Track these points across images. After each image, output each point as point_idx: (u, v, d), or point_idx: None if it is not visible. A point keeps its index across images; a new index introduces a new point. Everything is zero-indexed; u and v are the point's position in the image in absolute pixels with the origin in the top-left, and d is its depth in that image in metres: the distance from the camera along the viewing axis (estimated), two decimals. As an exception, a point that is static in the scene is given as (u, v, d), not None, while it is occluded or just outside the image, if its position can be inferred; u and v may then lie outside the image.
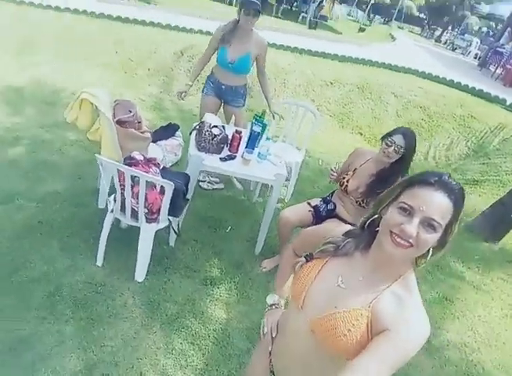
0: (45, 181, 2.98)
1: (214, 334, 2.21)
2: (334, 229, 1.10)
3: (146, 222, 2.20)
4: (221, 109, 3.32)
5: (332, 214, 2.53)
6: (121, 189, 2.08)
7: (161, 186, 2.12)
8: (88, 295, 2.21)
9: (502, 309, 2.94)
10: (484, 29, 22.74)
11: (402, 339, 0.85)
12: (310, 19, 14.13)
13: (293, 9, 16.20)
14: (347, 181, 2.44)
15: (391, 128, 2.35)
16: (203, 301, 2.37)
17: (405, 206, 0.87)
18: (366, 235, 1.00)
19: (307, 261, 1.06)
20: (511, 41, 10.40)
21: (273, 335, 1.19)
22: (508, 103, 6.17)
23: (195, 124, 2.66)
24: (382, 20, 25.97)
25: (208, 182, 3.43)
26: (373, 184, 2.28)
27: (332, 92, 5.82)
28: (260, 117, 2.71)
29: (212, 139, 2.49)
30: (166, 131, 3.54)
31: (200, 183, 3.41)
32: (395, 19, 22.66)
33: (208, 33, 5.48)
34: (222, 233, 2.96)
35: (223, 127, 2.61)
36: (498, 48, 9.54)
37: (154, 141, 3.19)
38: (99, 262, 2.39)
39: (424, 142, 5.49)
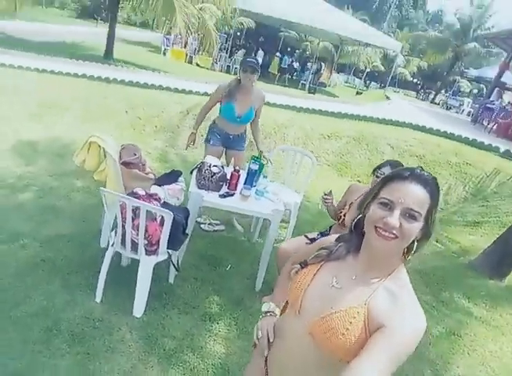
0: (50, 223, 3.09)
1: (212, 368, 2.15)
2: (329, 238, 1.16)
3: (146, 254, 2.25)
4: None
5: None
6: (122, 221, 2.18)
7: (161, 219, 2.21)
8: (85, 330, 2.20)
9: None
10: (475, 91, 24.03)
11: (398, 334, 0.87)
12: (309, 86, 15.16)
13: (294, 77, 17.42)
14: (344, 215, 2.53)
15: None
16: (202, 337, 2.33)
17: (385, 201, 0.93)
18: (355, 237, 1.05)
19: (302, 267, 1.10)
20: (500, 99, 10.97)
21: (270, 340, 1.18)
22: (502, 151, 6.36)
23: (196, 164, 2.82)
24: (378, 86, 27.64)
25: (209, 224, 3.51)
26: None
27: (329, 145, 6.09)
28: (257, 157, 2.89)
29: (211, 176, 2.63)
30: (169, 177, 3.67)
31: (201, 225, 3.49)
32: (390, 86, 24.13)
33: (206, 93, 5.92)
34: (222, 271, 2.98)
35: (222, 167, 2.76)
36: (488, 105, 10.06)
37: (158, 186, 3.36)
38: (98, 298, 2.40)
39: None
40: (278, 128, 6.12)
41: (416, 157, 6.03)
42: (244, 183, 2.70)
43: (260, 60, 16.53)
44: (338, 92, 15.75)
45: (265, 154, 3.44)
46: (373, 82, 26.85)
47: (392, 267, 0.97)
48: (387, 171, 2.36)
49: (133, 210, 2.15)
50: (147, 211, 2.13)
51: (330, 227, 2.75)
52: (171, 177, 3.76)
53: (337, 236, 1.12)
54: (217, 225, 3.56)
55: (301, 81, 15.68)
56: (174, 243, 2.33)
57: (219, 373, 2.13)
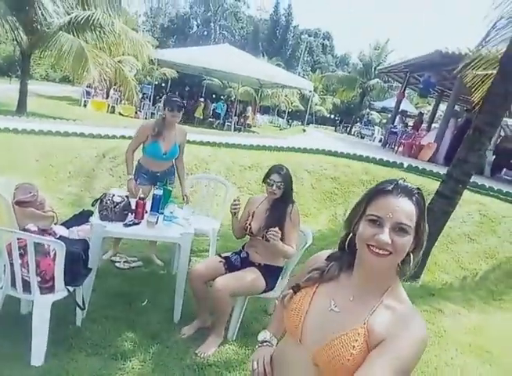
0: None
1: (123, 408, 1.99)
2: (319, 257, 1.11)
3: (40, 293, 2.09)
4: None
5: (246, 261, 2.61)
6: (9, 259, 2.03)
7: (55, 253, 2.09)
8: (-29, 390, 1.94)
9: (430, 337, 2.99)
10: (384, 120, 26.65)
11: (398, 345, 0.85)
12: (234, 127, 15.74)
13: (220, 121, 17.91)
14: (250, 224, 2.61)
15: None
16: (112, 376, 2.17)
17: (374, 217, 0.92)
18: (347, 255, 1.03)
19: (295, 292, 1.06)
20: (402, 124, 12.32)
21: (267, 370, 1.11)
22: (405, 166, 7.04)
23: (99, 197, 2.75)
24: (300, 124, 29.48)
25: (125, 262, 3.37)
26: (270, 217, 2.53)
27: (251, 175, 6.28)
28: (164, 184, 2.91)
29: (114, 207, 2.58)
30: (79, 219, 3.53)
31: (116, 264, 3.34)
32: (311, 123, 25.91)
33: (129, 137, 5.88)
34: (138, 307, 2.83)
35: (127, 197, 2.72)
36: (392, 129, 11.20)
37: (67, 228, 3.19)
38: (-11, 353, 2.15)
39: (340, 207, 5.97)
40: (199, 163, 6.21)
41: (331, 179, 6.43)
42: (150, 210, 2.68)
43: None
44: (263, 131, 16.51)
45: (187, 194, 3.47)
46: (295, 121, 28.61)
47: (388, 283, 0.96)
48: (275, 177, 2.52)
49: (22, 247, 2.02)
50: (38, 245, 2.01)
51: (243, 246, 2.79)
52: (81, 218, 3.61)
53: (327, 255, 1.09)
54: (134, 262, 3.43)
55: (227, 123, 16.24)
56: (73, 278, 2.20)
57: (131, 410, 1.97)
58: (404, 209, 0.90)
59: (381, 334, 0.88)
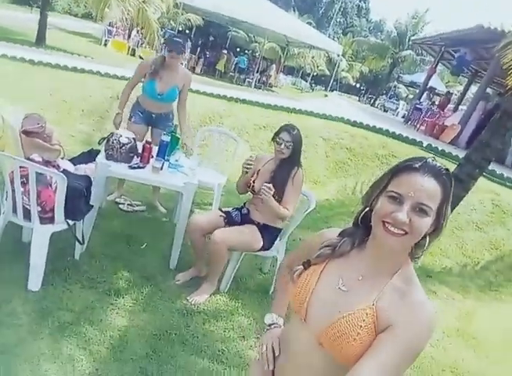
0: None
1: (110, 340, 2.06)
2: (327, 234, 1.06)
3: (40, 222, 2.12)
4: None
5: (246, 218, 2.61)
6: (12, 185, 2.04)
7: (56, 186, 2.10)
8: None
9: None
10: (411, 96, 25.69)
11: (405, 331, 0.83)
12: (255, 84, 15.32)
13: (241, 76, 17.43)
14: (254, 181, 2.58)
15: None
16: (104, 310, 2.24)
17: (394, 194, 0.87)
18: (360, 231, 0.99)
19: (305, 268, 1.02)
20: (428, 101, 11.82)
21: (276, 353, 1.09)
22: (425, 145, 6.83)
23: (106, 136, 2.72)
24: (323, 89, 28.60)
25: (128, 204, 3.40)
26: (276, 177, 2.49)
27: (265, 135, 6.16)
28: (172, 131, 2.85)
29: (120, 147, 2.55)
30: (87, 157, 3.53)
31: (120, 205, 3.38)
32: (335, 90, 25.06)
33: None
34: (136, 249, 2.89)
35: (134, 139, 2.68)
36: (417, 105, 10.78)
37: (74, 165, 3.19)
38: (-10, 273, 2.23)
39: (351, 178, 5.88)
40: (213, 116, 6.09)
41: (346, 149, 6.28)
42: (156, 156, 2.65)
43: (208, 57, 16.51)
44: (283, 92, 16.06)
45: (187, 143, 3.40)
46: (318, 86, 27.78)
47: (400, 264, 0.92)
48: (284, 136, 2.45)
49: (25, 176, 2.02)
50: (40, 175, 2.01)
51: (245, 203, 2.77)
52: (90, 156, 3.59)
53: (336, 232, 1.03)
54: (137, 205, 3.46)
55: (247, 80, 15.79)
56: (74, 212, 2.22)
57: (116, 344, 2.05)
58: (428, 189, 0.85)
59: (390, 317, 0.86)
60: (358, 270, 0.95)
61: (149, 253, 2.90)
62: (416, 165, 0.87)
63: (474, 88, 12.62)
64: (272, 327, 1.20)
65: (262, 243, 2.52)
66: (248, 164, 2.56)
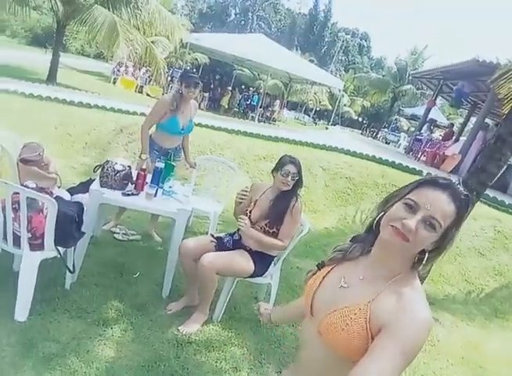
0: None
1: (96, 372, 1.99)
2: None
3: (30, 249, 2.11)
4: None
5: (238, 244, 2.58)
6: (3, 212, 2.05)
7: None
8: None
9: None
10: (412, 128, 26.02)
11: (402, 330, 0.84)
12: (258, 119, 15.65)
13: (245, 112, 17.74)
14: (250, 211, 2.56)
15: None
16: (91, 341, 2.18)
17: (411, 202, 0.90)
18: (371, 238, 1.02)
19: (319, 269, 1.11)
20: (429, 132, 11.95)
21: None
22: (424, 174, 6.82)
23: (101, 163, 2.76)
24: (326, 123, 29.12)
25: (123, 234, 3.39)
26: (275, 208, 2.49)
27: (265, 166, 6.22)
28: (168, 158, 2.89)
29: (115, 174, 2.58)
30: (85, 187, 3.56)
31: (115, 235, 3.37)
32: (338, 124, 25.50)
33: (143, 113, 5.92)
34: (129, 278, 2.85)
35: (129, 166, 2.72)
36: (417, 136, 10.89)
37: (71, 194, 3.22)
38: (-24, 303, 2.20)
39: (351, 207, 5.85)
40: (214, 148, 6.18)
41: (346, 179, 6.29)
42: (150, 182, 2.67)
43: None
44: (287, 126, 16.33)
45: (190, 162, 3.52)
46: (322, 120, 28.26)
47: (400, 269, 0.94)
48: (291, 168, 2.47)
49: (17, 202, 2.04)
50: (31, 201, 2.03)
51: (238, 229, 2.75)
52: (87, 186, 3.64)
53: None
54: (133, 234, 3.45)
55: (251, 115, 16.13)
56: (64, 239, 2.22)
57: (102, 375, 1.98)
58: (444, 207, 0.88)
59: (384, 317, 0.87)
60: (360, 271, 1.00)
61: (142, 282, 2.85)
62: (441, 182, 0.91)
63: (474, 119, 12.79)
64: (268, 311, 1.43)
65: (254, 268, 2.47)
66: (243, 195, 2.55)
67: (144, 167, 3.08)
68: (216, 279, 2.40)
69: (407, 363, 0.83)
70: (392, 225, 0.89)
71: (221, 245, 2.57)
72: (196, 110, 3.42)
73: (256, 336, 2.58)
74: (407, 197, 0.92)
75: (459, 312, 3.75)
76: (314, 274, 1.11)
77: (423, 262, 0.93)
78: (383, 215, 0.97)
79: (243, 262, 2.45)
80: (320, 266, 1.10)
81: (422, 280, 0.98)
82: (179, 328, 2.43)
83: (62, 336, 2.15)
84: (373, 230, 1.01)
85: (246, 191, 2.56)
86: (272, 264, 2.66)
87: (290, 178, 2.45)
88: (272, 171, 2.58)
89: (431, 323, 0.87)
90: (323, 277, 1.05)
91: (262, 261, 2.52)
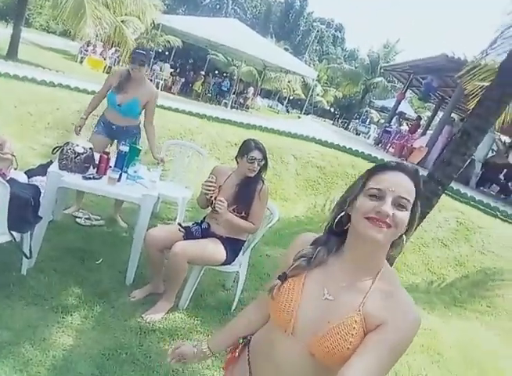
0: None
1: (52, 360, 1.91)
2: (303, 239, 1.05)
3: (-19, 233, 1.98)
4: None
5: (207, 233, 2.53)
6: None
7: (3, 194, 1.97)
8: None
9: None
10: (382, 120, 26.63)
11: (392, 329, 0.85)
12: (231, 105, 15.46)
13: (218, 97, 17.46)
14: (215, 198, 2.50)
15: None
16: (48, 328, 2.08)
17: (375, 191, 0.89)
18: (335, 238, 0.99)
19: (282, 282, 1.00)
20: (397, 123, 12.23)
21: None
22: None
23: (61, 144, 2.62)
24: (299, 113, 29.27)
25: (86, 218, 3.26)
26: (242, 193, 2.46)
27: (235, 152, 6.12)
28: (133, 142, 2.78)
29: (75, 157, 2.45)
30: (44, 169, 3.39)
31: (77, 219, 3.23)
32: (310, 114, 25.67)
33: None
34: (91, 265, 2.74)
35: (91, 149, 2.59)
36: (387, 128, 11.13)
37: (29, 177, 3.05)
38: None
39: (321, 197, 5.91)
40: (185, 133, 6.04)
41: (316, 168, 6.34)
42: (114, 166, 2.56)
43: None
44: (259, 113, 16.24)
45: (157, 157, 3.33)
46: (294, 109, 28.36)
47: (379, 265, 0.94)
48: (256, 154, 2.44)
49: (-34, 182, 1.89)
50: (-19, 182, 1.89)
51: (205, 217, 2.70)
52: (46, 168, 3.47)
53: (311, 238, 1.03)
54: (96, 220, 3.32)
55: (224, 101, 15.90)
56: (19, 223, 2.09)
57: (59, 364, 1.90)
58: (405, 185, 0.90)
59: (377, 318, 0.87)
60: (340, 277, 0.95)
61: (105, 269, 2.76)
62: (391, 164, 0.93)
63: (441, 113, 13.20)
64: (196, 346, 1.18)
65: (226, 256, 2.44)
66: (208, 187, 2.43)
67: (77, 127, 3.30)
68: (186, 267, 2.35)
69: (394, 362, 0.85)
70: (368, 217, 0.88)
71: (189, 235, 2.50)
72: (151, 96, 3.23)
73: (221, 323, 2.56)
74: (367, 187, 0.91)
75: (421, 301, 3.88)
76: (279, 288, 0.98)
77: (401, 245, 0.94)
78: (343, 215, 0.96)
79: (215, 250, 2.41)
80: (282, 278, 0.99)
81: (390, 263, 0.98)
82: (143, 316, 2.38)
83: (15, 323, 2.04)
84: (334, 231, 0.99)
85: (211, 182, 2.48)
86: (241, 252, 2.63)
87: (256, 164, 2.43)
88: (237, 156, 2.54)
89: (420, 322, 0.88)
90: (301, 291, 0.96)
91: (233, 247, 2.49)
